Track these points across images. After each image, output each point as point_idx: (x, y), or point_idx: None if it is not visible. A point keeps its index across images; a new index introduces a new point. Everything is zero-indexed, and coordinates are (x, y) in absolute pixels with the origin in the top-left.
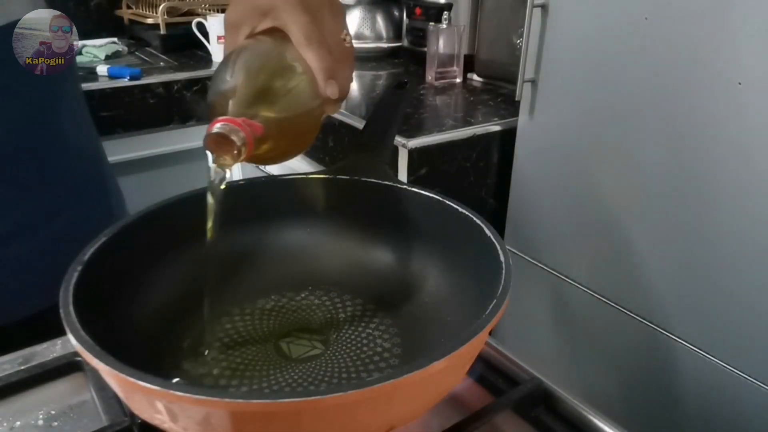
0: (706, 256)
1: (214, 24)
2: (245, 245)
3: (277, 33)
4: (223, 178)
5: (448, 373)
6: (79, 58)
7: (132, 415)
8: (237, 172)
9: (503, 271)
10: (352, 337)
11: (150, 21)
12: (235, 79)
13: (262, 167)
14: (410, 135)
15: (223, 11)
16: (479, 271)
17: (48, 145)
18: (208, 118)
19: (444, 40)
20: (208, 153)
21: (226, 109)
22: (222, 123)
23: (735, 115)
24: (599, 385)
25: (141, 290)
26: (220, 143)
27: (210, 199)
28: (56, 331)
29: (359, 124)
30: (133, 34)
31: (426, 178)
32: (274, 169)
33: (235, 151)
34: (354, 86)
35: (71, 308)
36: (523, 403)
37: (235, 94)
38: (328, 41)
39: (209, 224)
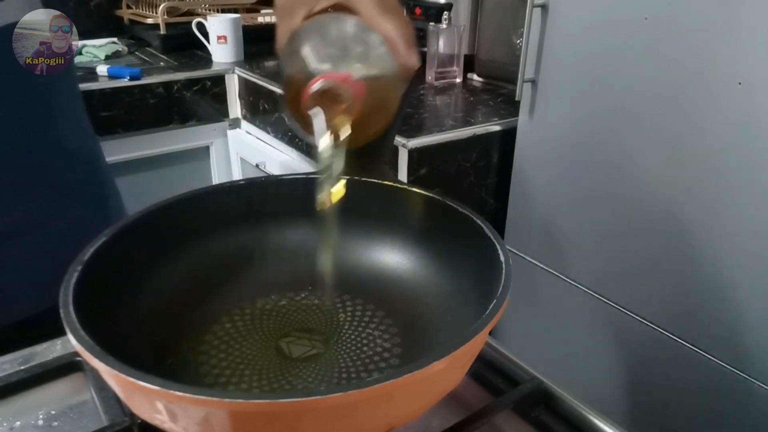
0: (705, 256)
1: (214, 24)
2: (245, 245)
3: (337, 12)
4: (336, 148)
5: (448, 373)
6: (79, 58)
7: (132, 415)
8: (237, 172)
9: (503, 271)
10: (352, 337)
11: (150, 21)
12: (317, 47)
13: (263, 167)
14: (410, 135)
15: (222, 11)
16: (479, 271)
17: (44, 148)
18: (284, 96)
19: (444, 40)
20: (316, 120)
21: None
22: (324, 80)
23: (735, 115)
24: (599, 385)
25: (141, 290)
26: (324, 101)
27: (325, 174)
28: (55, 332)
29: None
30: (133, 34)
31: (426, 178)
32: (274, 170)
33: (345, 106)
34: None
35: (71, 308)
36: (523, 403)
37: (323, 58)
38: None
39: (324, 193)
